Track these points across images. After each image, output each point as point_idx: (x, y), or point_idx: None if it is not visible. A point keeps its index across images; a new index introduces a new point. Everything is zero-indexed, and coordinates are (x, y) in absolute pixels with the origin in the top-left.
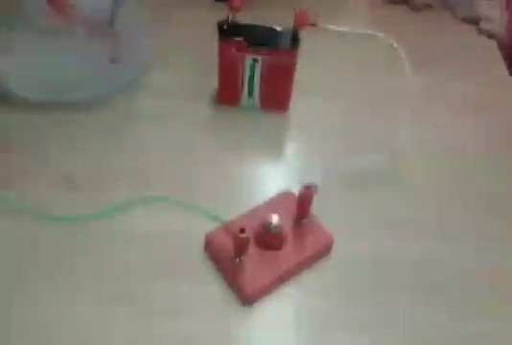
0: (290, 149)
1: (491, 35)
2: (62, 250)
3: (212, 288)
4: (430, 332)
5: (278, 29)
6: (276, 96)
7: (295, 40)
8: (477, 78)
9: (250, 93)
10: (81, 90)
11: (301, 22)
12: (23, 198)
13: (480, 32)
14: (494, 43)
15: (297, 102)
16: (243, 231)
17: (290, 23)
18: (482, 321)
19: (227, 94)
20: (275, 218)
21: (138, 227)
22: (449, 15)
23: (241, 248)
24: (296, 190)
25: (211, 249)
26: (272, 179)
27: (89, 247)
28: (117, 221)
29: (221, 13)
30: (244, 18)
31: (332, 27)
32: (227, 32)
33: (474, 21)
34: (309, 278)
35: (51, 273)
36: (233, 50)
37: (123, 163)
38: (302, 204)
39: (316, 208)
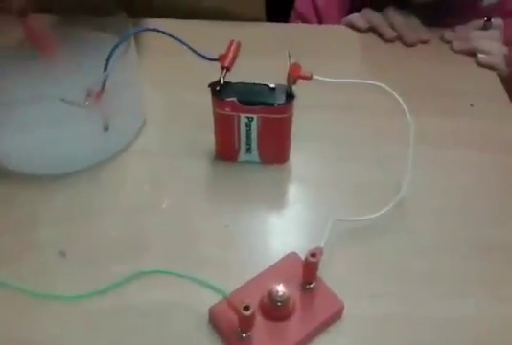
0: (293, 202)
1: (490, 67)
2: (60, 327)
3: None
4: None
5: (271, 85)
6: (275, 149)
7: (289, 96)
8: (481, 112)
9: (248, 149)
10: (76, 161)
11: (295, 76)
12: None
13: (479, 63)
14: (494, 74)
15: (296, 152)
16: (247, 308)
17: (283, 74)
18: None
19: (225, 151)
20: (281, 289)
21: (138, 302)
22: (446, 49)
23: (246, 324)
24: (303, 249)
25: (215, 324)
26: (276, 238)
27: (91, 324)
28: (114, 298)
29: (214, 72)
30: (238, 73)
31: (325, 79)
32: (220, 92)
33: (471, 53)
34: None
35: None
36: (227, 110)
37: (118, 233)
38: (309, 270)
39: (323, 267)
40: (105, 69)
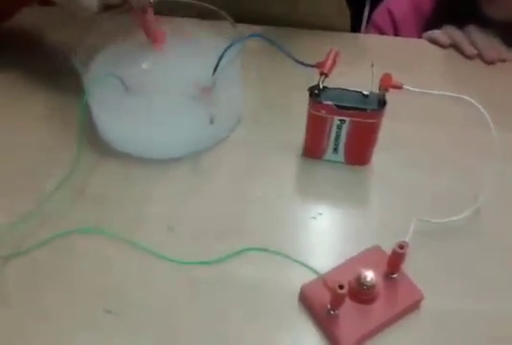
0: (375, 202)
1: None
2: (166, 288)
3: (307, 338)
4: None
5: (365, 92)
6: (360, 151)
7: (381, 103)
8: None
9: (335, 149)
10: (181, 148)
11: (386, 85)
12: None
13: None
14: None
15: (379, 156)
16: (341, 287)
17: (367, 82)
18: None
19: (314, 149)
20: (370, 275)
21: (236, 276)
22: None
23: (337, 302)
24: (383, 243)
25: (307, 300)
26: (360, 232)
27: (193, 289)
28: (217, 270)
29: (308, 75)
30: (333, 80)
31: (415, 89)
32: (318, 95)
33: None
34: (399, 331)
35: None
36: (323, 112)
37: (217, 215)
38: (394, 261)
39: (404, 262)
40: (216, 69)
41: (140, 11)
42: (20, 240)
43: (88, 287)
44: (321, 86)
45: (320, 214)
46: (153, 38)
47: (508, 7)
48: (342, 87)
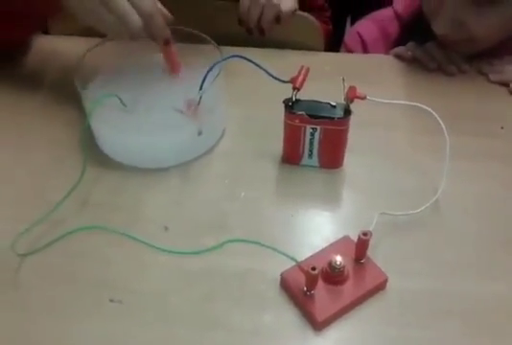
0: (346, 200)
1: None
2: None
3: (287, 317)
4: None
5: (333, 103)
6: (332, 156)
7: (347, 112)
8: (511, 133)
9: (310, 155)
10: (173, 158)
11: (351, 96)
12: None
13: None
14: None
15: (350, 159)
16: (313, 269)
17: (337, 94)
18: None
19: (291, 156)
20: (339, 259)
21: (223, 266)
22: (481, 80)
23: (311, 283)
24: (353, 235)
25: (286, 284)
26: (331, 226)
27: (186, 280)
28: (206, 261)
29: (282, 91)
30: (305, 93)
31: (377, 100)
32: (291, 107)
33: (505, 84)
34: (368, 308)
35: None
36: (296, 121)
37: (207, 215)
38: (360, 247)
39: (371, 250)
40: (201, 87)
41: (162, 44)
42: (32, 242)
43: (93, 280)
44: (294, 99)
45: (298, 211)
46: (173, 68)
47: (443, 22)
48: (313, 99)
